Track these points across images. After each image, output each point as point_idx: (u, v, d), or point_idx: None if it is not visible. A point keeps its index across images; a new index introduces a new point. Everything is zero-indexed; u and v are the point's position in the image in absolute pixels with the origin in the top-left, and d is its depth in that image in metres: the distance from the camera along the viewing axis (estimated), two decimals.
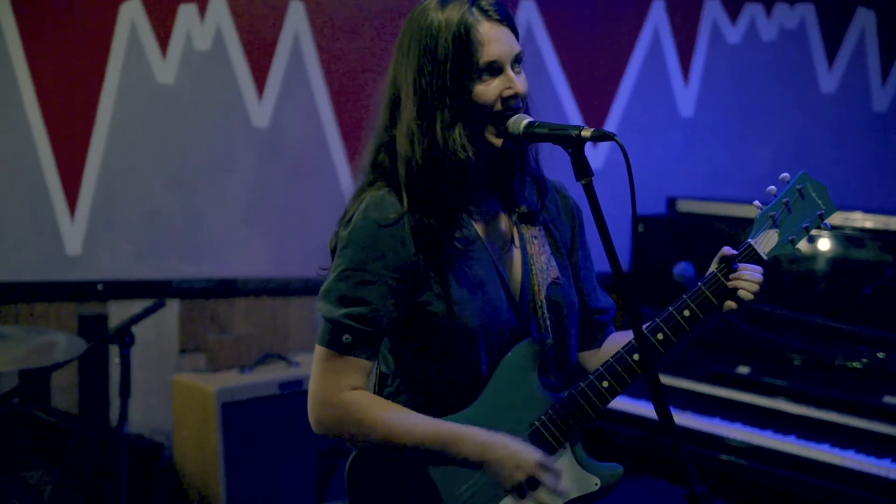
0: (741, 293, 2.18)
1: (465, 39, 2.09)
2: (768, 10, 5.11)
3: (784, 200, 2.23)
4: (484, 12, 2.12)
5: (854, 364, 3.70)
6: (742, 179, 5.09)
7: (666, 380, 3.89)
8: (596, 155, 4.85)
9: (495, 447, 2.11)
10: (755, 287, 2.18)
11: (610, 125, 4.94)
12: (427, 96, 2.11)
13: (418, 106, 2.12)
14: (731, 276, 2.20)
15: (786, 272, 3.97)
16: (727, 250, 2.22)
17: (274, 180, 4.67)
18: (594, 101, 4.96)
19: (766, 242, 2.22)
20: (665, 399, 1.97)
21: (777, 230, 2.22)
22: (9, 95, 4.34)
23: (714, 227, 4.27)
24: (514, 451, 2.11)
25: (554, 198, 2.37)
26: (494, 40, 2.11)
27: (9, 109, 4.35)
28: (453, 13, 2.11)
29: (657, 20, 5.00)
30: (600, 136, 2.01)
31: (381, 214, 2.13)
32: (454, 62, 2.09)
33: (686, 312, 2.19)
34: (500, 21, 2.14)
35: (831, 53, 5.18)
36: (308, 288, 4.70)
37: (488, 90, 2.11)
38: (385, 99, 2.21)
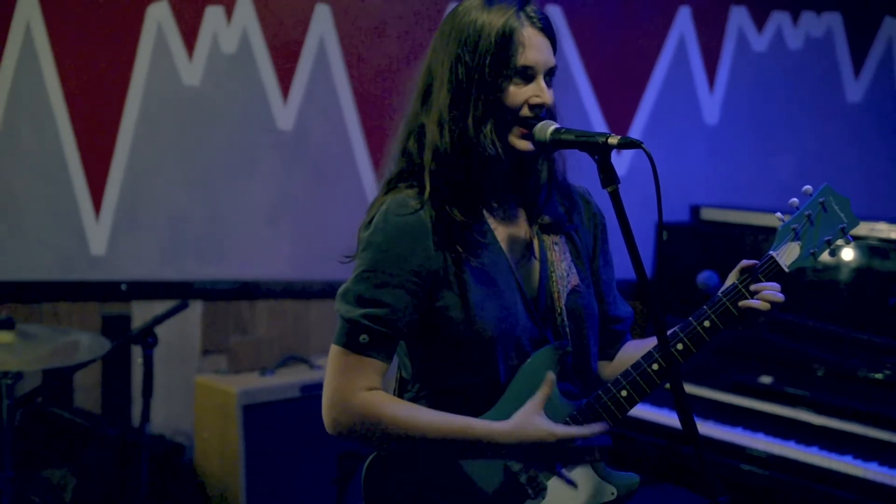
0: (760, 305, 2.17)
1: (507, 38, 2.12)
2: (795, 19, 5.09)
3: (806, 213, 2.23)
4: (529, 19, 2.16)
5: (877, 375, 3.67)
6: (766, 188, 5.07)
7: (688, 389, 3.86)
8: (619, 161, 4.83)
9: (509, 441, 2.11)
10: (767, 306, 2.17)
11: (634, 132, 4.93)
12: (462, 86, 2.14)
13: (452, 95, 2.15)
14: (751, 288, 2.19)
15: (809, 282, 3.95)
16: (746, 262, 2.22)
17: (297, 183, 4.68)
18: (619, 107, 4.96)
19: (788, 254, 2.22)
20: (689, 408, 1.97)
21: (799, 242, 2.22)
22: (36, 96, 4.37)
23: (738, 235, 4.25)
24: (532, 441, 2.11)
25: (578, 204, 2.37)
26: (535, 47, 2.14)
27: (36, 110, 4.38)
28: (499, 14, 2.14)
29: (683, 28, 4.99)
30: (627, 144, 2.01)
31: (402, 216, 2.13)
32: (493, 58, 2.12)
33: (706, 323, 2.19)
34: (543, 31, 2.17)
35: (858, 62, 5.16)
36: (330, 290, 4.70)
37: (518, 93, 2.13)
38: (419, 87, 2.23)
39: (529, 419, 2.12)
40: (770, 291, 2.18)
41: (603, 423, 2.17)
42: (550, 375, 2.15)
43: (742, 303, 2.18)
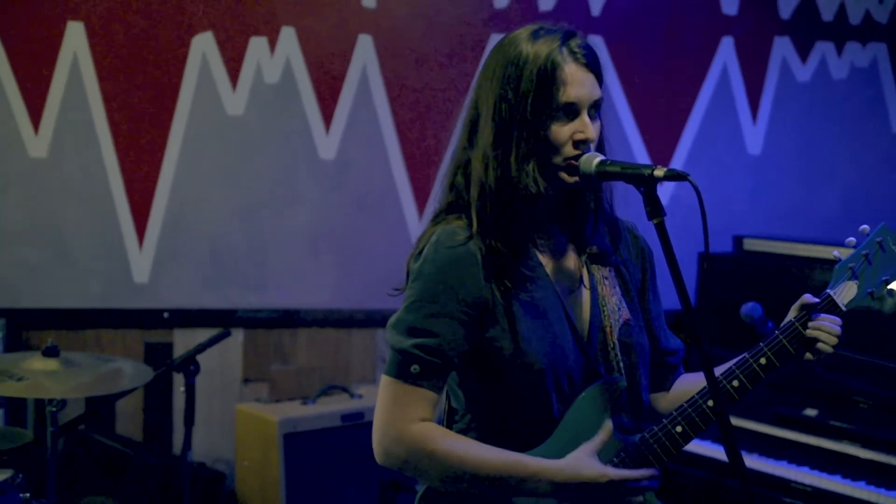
0: (820, 345, 2.17)
1: (549, 76, 2.10)
2: (839, 49, 5.06)
3: (864, 252, 2.21)
4: (572, 54, 2.14)
5: None
6: (810, 219, 5.04)
7: (732, 421, 3.83)
8: (661, 192, 4.78)
9: (567, 483, 2.09)
10: (834, 340, 2.17)
11: (676, 163, 4.92)
12: (505, 124, 2.12)
13: (495, 132, 2.13)
14: (809, 325, 2.18)
15: (853, 313, 3.90)
16: (807, 297, 2.20)
17: (339, 212, 4.69)
18: (661, 138, 4.95)
19: (845, 294, 2.20)
20: (736, 442, 1.95)
21: (856, 282, 2.20)
22: (82, 125, 4.42)
23: (781, 266, 4.21)
24: (586, 479, 2.10)
25: (625, 238, 2.35)
26: (577, 83, 2.12)
27: (82, 139, 4.43)
28: (542, 48, 2.12)
29: (726, 57, 4.97)
30: (673, 176, 2.00)
31: (452, 248, 2.13)
32: (535, 96, 2.10)
33: (762, 360, 2.18)
34: (587, 66, 2.15)
35: None
36: (371, 320, 4.71)
37: (562, 131, 2.12)
38: (465, 120, 2.23)
39: (584, 459, 2.11)
40: (828, 324, 2.17)
41: (654, 468, 2.16)
42: (609, 424, 2.15)
43: (809, 331, 2.17)
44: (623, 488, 2.12)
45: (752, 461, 3.70)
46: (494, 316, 2.13)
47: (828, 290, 2.21)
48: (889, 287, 2.22)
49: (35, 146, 4.40)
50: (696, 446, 3.84)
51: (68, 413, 3.99)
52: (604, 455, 2.17)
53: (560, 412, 2.16)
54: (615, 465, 2.16)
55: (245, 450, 4.39)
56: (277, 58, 4.58)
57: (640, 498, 2.19)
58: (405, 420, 2.11)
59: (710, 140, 4.99)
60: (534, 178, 2.12)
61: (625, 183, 2.10)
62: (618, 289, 2.28)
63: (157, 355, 4.51)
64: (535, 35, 2.15)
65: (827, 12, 5.05)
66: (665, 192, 4.80)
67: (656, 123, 4.93)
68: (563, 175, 2.14)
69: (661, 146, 4.94)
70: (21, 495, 3.11)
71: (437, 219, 2.23)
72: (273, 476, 4.22)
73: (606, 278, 2.27)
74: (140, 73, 4.47)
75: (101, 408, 4.38)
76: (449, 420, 2.29)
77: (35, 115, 4.38)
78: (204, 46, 4.50)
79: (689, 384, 2.37)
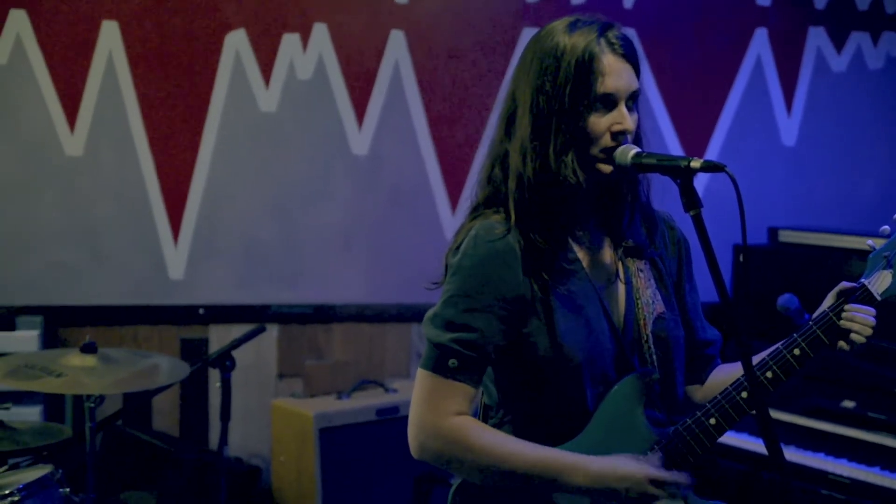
0: (853, 336, 2.16)
1: (587, 66, 2.10)
2: (875, 39, 5.02)
3: None
4: (610, 45, 2.13)
5: None
6: (846, 210, 5.00)
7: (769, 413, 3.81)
8: (695, 183, 4.77)
9: (605, 478, 2.09)
10: (868, 331, 2.16)
11: (710, 155, 4.89)
12: (543, 115, 2.12)
13: (533, 123, 2.13)
14: (843, 316, 2.17)
15: (890, 303, 3.87)
16: (845, 284, 2.19)
17: (372, 207, 4.70)
18: (695, 129, 4.92)
19: (879, 283, 2.19)
20: (776, 435, 1.94)
21: (891, 270, 2.19)
22: (117, 123, 4.44)
23: (817, 257, 4.19)
24: (623, 475, 2.10)
25: (661, 230, 2.35)
26: (615, 73, 2.12)
27: (117, 137, 4.45)
28: (580, 40, 2.12)
29: (760, 48, 4.94)
30: (710, 167, 2.00)
31: (491, 242, 2.13)
32: (573, 87, 2.10)
33: (796, 351, 2.17)
34: (624, 56, 2.15)
35: None
36: (405, 314, 4.71)
37: (599, 122, 2.11)
38: (502, 112, 2.22)
39: (625, 458, 2.12)
40: (862, 314, 2.15)
41: (689, 476, 2.17)
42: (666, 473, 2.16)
43: (843, 322, 2.17)
44: (659, 487, 2.11)
45: (790, 453, 3.68)
46: (532, 311, 2.13)
47: (862, 280, 2.20)
48: None
49: (71, 145, 4.43)
50: (734, 439, 3.82)
51: (106, 409, 4.02)
52: (638, 447, 2.17)
53: (594, 405, 2.16)
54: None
55: (281, 445, 4.41)
56: (310, 54, 4.59)
57: (676, 493, 2.18)
58: (442, 414, 2.11)
59: (745, 132, 4.96)
60: (573, 168, 2.11)
61: (661, 175, 2.09)
62: (652, 281, 2.28)
63: (193, 351, 4.54)
64: (572, 27, 2.15)
65: (862, 2, 5.01)
66: (699, 184, 4.76)
67: (690, 116, 4.90)
68: (600, 165, 2.13)
69: (695, 138, 4.91)
70: (61, 490, 3.14)
71: (475, 212, 2.23)
72: (309, 470, 4.24)
73: (641, 271, 2.26)
74: (174, 71, 4.49)
75: (138, 403, 4.41)
76: (484, 417, 2.28)
77: (71, 114, 4.41)
78: (237, 44, 4.52)
79: (725, 375, 2.37)
